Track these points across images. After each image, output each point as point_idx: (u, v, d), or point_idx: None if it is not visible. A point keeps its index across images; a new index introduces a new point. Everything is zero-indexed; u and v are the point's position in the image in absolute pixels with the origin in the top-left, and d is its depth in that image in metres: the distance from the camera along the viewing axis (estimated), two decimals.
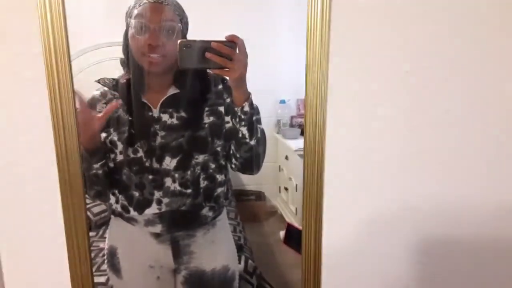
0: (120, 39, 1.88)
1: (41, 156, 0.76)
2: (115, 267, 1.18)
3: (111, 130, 1.06)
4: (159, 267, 1.17)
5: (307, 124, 0.84)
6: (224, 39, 0.90)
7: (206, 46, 0.89)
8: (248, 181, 2.12)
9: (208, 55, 0.89)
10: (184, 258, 1.16)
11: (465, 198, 0.91)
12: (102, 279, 1.39)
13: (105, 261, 1.21)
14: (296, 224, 2.11)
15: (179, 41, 0.89)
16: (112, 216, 1.18)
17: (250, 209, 2.10)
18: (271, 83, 2.07)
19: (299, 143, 2.07)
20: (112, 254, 1.18)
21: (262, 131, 1.07)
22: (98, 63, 1.78)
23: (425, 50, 0.83)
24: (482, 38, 0.83)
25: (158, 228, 1.12)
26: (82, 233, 0.77)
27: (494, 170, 0.91)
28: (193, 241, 1.16)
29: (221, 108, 1.10)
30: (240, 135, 1.03)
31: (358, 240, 0.90)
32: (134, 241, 1.16)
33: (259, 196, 2.16)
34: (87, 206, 1.60)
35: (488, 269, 0.96)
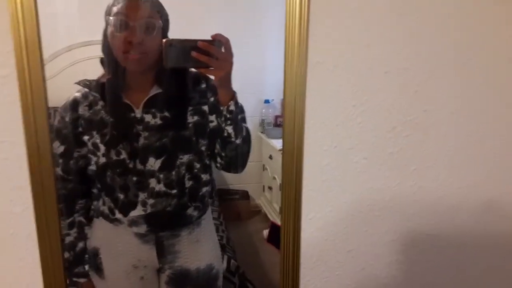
0: (96, 38, 1.87)
1: (13, 157, 0.75)
2: (97, 268, 1.16)
3: (94, 132, 1.04)
4: (143, 267, 1.15)
5: (286, 123, 0.85)
6: (210, 38, 0.89)
7: (192, 45, 0.88)
8: (232, 180, 2.13)
9: (194, 54, 0.88)
10: (168, 258, 1.15)
11: (446, 194, 0.93)
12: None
13: (88, 264, 1.19)
14: (280, 223, 2.13)
15: (164, 40, 0.88)
16: (95, 218, 1.17)
17: (234, 208, 2.11)
18: (256, 82, 2.08)
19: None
20: (95, 255, 1.17)
21: (247, 130, 1.06)
22: (73, 64, 1.78)
23: (405, 50, 0.85)
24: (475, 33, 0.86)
25: (142, 229, 1.10)
26: (55, 236, 0.77)
27: (477, 167, 0.93)
28: (178, 240, 1.14)
29: (205, 107, 1.08)
30: (226, 134, 1.02)
31: (336, 237, 0.92)
32: (118, 242, 1.14)
33: (243, 195, 2.17)
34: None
35: (470, 265, 0.99)
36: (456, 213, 0.95)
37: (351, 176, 0.89)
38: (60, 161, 1.06)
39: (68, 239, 1.12)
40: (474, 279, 1.00)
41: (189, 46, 0.88)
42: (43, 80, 0.73)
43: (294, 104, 0.83)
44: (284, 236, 0.89)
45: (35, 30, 0.71)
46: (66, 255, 1.09)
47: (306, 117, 0.84)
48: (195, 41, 0.88)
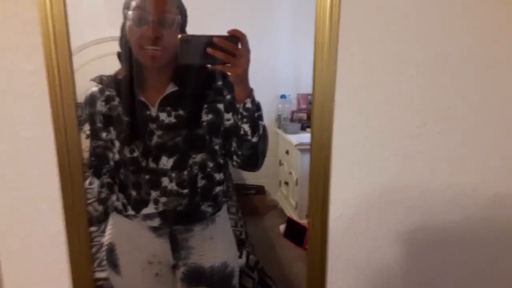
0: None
1: (41, 153, 0.75)
2: (113, 263, 1.16)
3: (111, 128, 1.03)
4: (158, 262, 1.13)
5: (314, 118, 0.83)
6: (226, 34, 0.86)
7: (207, 41, 0.85)
8: (248, 176, 2.13)
9: (209, 50, 0.85)
10: (182, 253, 1.13)
11: (479, 194, 0.91)
12: (103, 274, 1.39)
13: (105, 258, 1.17)
14: (296, 218, 2.12)
15: (179, 36, 0.85)
16: (112, 213, 1.16)
17: (250, 203, 2.10)
18: (272, 77, 2.07)
19: (299, 137, 2.08)
20: (111, 251, 1.16)
21: (264, 127, 1.02)
22: (101, 58, 1.78)
23: (437, 41, 0.82)
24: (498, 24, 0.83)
25: (156, 222, 1.09)
26: (83, 227, 0.76)
27: (495, 160, 0.91)
28: (191, 235, 1.13)
29: (220, 106, 1.05)
30: (242, 132, 0.99)
31: (364, 234, 0.90)
32: (133, 236, 1.13)
33: (259, 190, 2.16)
34: (89, 201, 1.60)
35: (481, 258, 0.97)
36: (491, 213, 0.92)
37: (380, 173, 0.87)
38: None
39: (101, 195, 1.13)
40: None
41: (204, 42, 0.85)
42: (72, 73, 0.73)
43: (323, 99, 0.82)
44: (312, 231, 0.88)
45: (64, 23, 0.70)
46: (100, 208, 1.11)
47: (335, 112, 0.83)
48: (211, 37, 0.85)
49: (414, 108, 0.85)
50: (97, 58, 1.95)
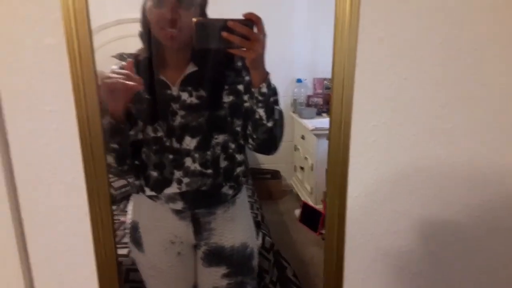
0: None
1: (63, 127, 0.76)
2: (137, 242, 1.18)
3: (131, 106, 1.03)
4: (180, 242, 1.16)
5: (334, 96, 0.82)
6: (241, 18, 0.86)
7: (222, 25, 0.84)
8: (264, 160, 2.13)
9: (224, 34, 0.84)
10: (204, 235, 1.15)
11: (504, 176, 0.88)
12: (123, 251, 1.43)
13: (128, 235, 1.22)
14: (311, 203, 2.13)
15: (194, 20, 0.85)
16: (134, 193, 1.18)
17: (265, 187, 2.12)
18: (288, 61, 2.05)
19: (315, 122, 2.07)
20: (135, 229, 1.19)
21: (280, 112, 1.02)
22: (122, 39, 1.80)
23: (461, 18, 0.80)
24: None
25: (179, 205, 1.10)
26: (105, 205, 0.78)
27: None
28: (213, 218, 1.14)
29: (240, 87, 1.05)
30: (257, 116, 0.99)
31: (382, 216, 0.90)
32: (156, 217, 1.15)
33: (275, 175, 2.17)
34: (110, 180, 1.63)
35: (506, 245, 0.95)
36: None
37: (400, 153, 0.86)
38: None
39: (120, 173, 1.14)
40: None
41: (219, 26, 0.85)
42: (92, 49, 0.73)
43: (343, 77, 0.81)
44: (330, 213, 0.88)
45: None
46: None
47: (354, 90, 0.82)
48: (226, 20, 0.85)
49: (436, 88, 0.83)
50: (118, 39, 1.96)
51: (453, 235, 0.92)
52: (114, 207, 1.60)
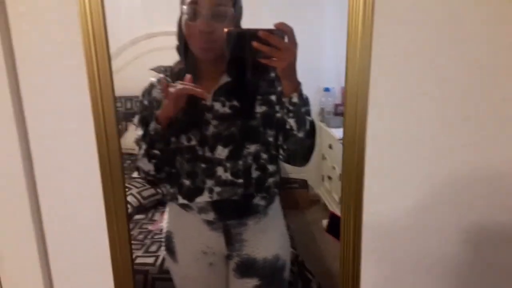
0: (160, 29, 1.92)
1: (82, 143, 0.80)
2: (171, 251, 1.21)
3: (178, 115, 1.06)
4: (212, 253, 1.17)
5: (347, 110, 0.81)
6: (272, 27, 0.86)
7: (253, 34, 0.85)
8: (291, 169, 2.11)
9: (254, 44, 0.86)
10: (236, 246, 1.16)
11: None
12: (150, 260, 1.46)
13: (163, 244, 1.24)
14: (339, 213, 2.09)
15: (225, 30, 0.88)
16: (169, 202, 1.20)
17: (292, 197, 2.10)
18: (315, 70, 2.04)
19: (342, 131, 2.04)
20: (169, 239, 1.21)
21: (312, 123, 1.01)
22: (152, 52, 1.86)
23: (486, 30, 0.77)
24: None
25: (210, 216, 1.12)
26: (122, 218, 0.80)
27: None
28: (245, 229, 1.15)
29: (273, 97, 1.06)
30: (288, 127, 0.99)
31: (401, 233, 0.87)
32: (189, 227, 1.17)
33: (302, 184, 2.15)
34: (139, 189, 1.68)
35: None
36: None
37: (418, 169, 0.84)
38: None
39: (153, 181, 1.17)
40: None
41: (250, 35, 0.86)
42: (110, 69, 0.77)
43: (357, 91, 0.80)
44: (344, 229, 0.87)
45: (101, 22, 0.74)
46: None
47: (369, 104, 0.81)
48: (256, 30, 0.86)
49: (457, 102, 0.81)
50: (148, 52, 2.03)
51: (476, 253, 0.89)
52: (142, 216, 1.65)
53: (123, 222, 0.82)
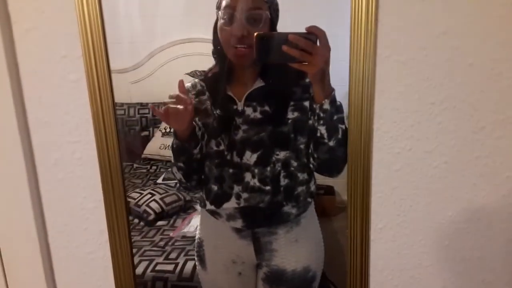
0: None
1: (84, 155, 0.81)
2: (201, 259, 1.20)
3: (198, 122, 1.06)
4: (241, 262, 1.15)
5: (351, 122, 0.78)
6: (304, 31, 0.83)
7: (283, 38, 0.83)
8: (318, 175, 2.07)
9: (285, 48, 0.83)
10: (265, 255, 1.14)
11: None
12: (169, 267, 1.47)
13: (195, 251, 1.24)
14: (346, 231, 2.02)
15: (255, 34, 0.85)
16: (202, 209, 1.18)
17: (319, 203, 2.04)
18: (343, 75, 1.98)
19: None
20: (200, 246, 1.20)
21: (345, 132, 0.93)
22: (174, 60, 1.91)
23: (493, 36, 0.72)
24: None
25: (239, 223, 1.10)
26: (123, 230, 0.81)
27: None
28: (275, 238, 1.12)
29: (307, 103, 1.03)
30: (318, 135, 0.95)
31: (411, 250, 0.83)
32: (218, 235, 1.16)
33: (329, 190, 2.09)
34: (162, 195, 1.70)
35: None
36: None
37: (428, 183, 0.79)
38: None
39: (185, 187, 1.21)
40: None
41: (280, 39, 0.83)
42: (110, 83, 0.77)
43: (361, 101, 0.76)
44: (351, 245, 0.83)
45: (101, 35, 0.74)
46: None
47: (375, 116, 0.77)
48: (286, 34, 0.83)
49: (468, 111, 0.75)
50: (176, 58, 2.06)
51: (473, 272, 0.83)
52: (164, 222, 1.67)
53: (124, 232, 0.82)
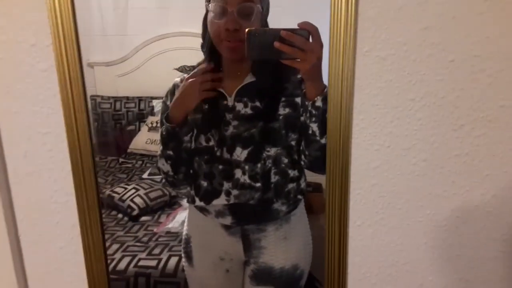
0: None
1: (54, 147, 0.79)
2: (188, 255, 1.19)
3: (189, 114, 1.03)
4: (229, 259, 1.15)
5: (330, 118, 0.76)
6: (296, 27, 0.82)
7: (275, 35, 0.81)
8: (306, 172, 2.06)
9: (276, 44, 0.81)
10: (254, 252, 1.13)
11: None
12: (152, 263, 1.46)
13: (182, 248, 1.23)
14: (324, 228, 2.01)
15: (246, 30, 0.83)
16: (190, 205, 1.16)
17: (306, 200, 2.04)
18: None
19: None
20: (187, 242, 1.19)
21: None
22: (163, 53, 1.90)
23: (475, 32, 0.70)
24: None
25: (228, 220, 1.08)
26: (95, 219, 0.79)
27: None
28: (264, 236, 1.11)
29: (298, 100, 1.01)
30: (310, 132, 0.94)
31: (389, 248, 0.82)
32: (206, 232, 1.15)
33: (316, 187, 2.08)
34: (146, 191, 1.68)
35: None
36: None
37: (407, 180, 0.78)
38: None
39: (172, 182, 1.16)
40: None
41: (272, 35, 0.82)
42: (81, 72, 0.75)
43: (340, 97, 0.74)
44: (329, 243, 0.82)
45: (71, 24, 0.72)
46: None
47: (354, 112, 0.75)
48: (279, 30, 0.81)
49: (448, 109, 0.74)
50: (160, 53, 2.04)
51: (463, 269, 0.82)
52: (148, 218, 1.65)
53: (96, 226, 0.80)
